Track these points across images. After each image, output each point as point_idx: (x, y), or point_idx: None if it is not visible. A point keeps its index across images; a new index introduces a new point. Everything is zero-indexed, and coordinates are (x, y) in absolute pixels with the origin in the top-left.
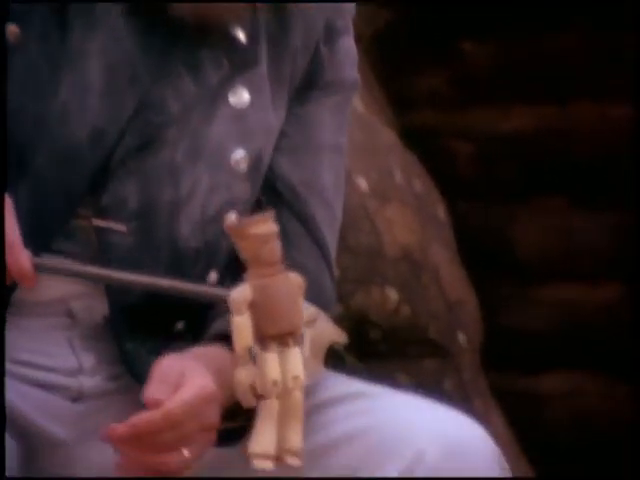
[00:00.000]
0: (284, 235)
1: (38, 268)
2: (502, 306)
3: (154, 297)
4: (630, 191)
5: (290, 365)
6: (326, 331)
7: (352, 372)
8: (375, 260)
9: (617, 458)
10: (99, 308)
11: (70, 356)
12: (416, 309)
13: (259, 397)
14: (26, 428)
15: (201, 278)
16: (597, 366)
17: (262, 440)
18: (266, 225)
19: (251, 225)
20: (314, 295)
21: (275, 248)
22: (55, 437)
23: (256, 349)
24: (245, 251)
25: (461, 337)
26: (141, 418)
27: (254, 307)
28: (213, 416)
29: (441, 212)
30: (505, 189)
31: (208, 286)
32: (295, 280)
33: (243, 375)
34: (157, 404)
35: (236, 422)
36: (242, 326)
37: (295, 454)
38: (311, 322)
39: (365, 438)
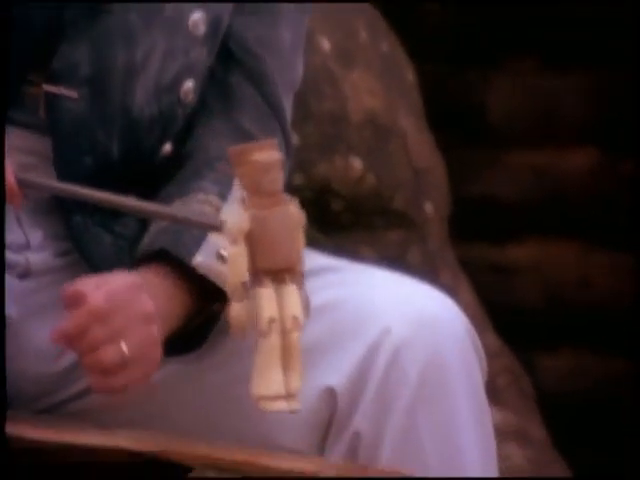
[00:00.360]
0: (231, 97)
1: (22, 184)
2: (471, 173)
3: (104, 171)
4: (603, 50)
5: (287, 304)
6: None
7: (314, 245)
8: (339, 127)
9: (588, 326)
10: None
11: (17, 231)
12: (381, 178)
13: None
14: None
15: (155, 149)
16: (569, 234)
17: (268, 381)
18: (269, 152)
19: (253, 151)
20: None
21: (277, 178)
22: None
23: (250, 284)
24: (244, 178)
25: (428, 206)
26: (67, 320)
27: (250, 238)
28: (144, 304)
29: (409, 75)
30: (476, 51)
31: (200, 214)
32: (296, 214)
33: (236, 310)
34: (78, 296)
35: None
36: (238, 258)
37: (293, 397)
38: None
39: (330, 314)
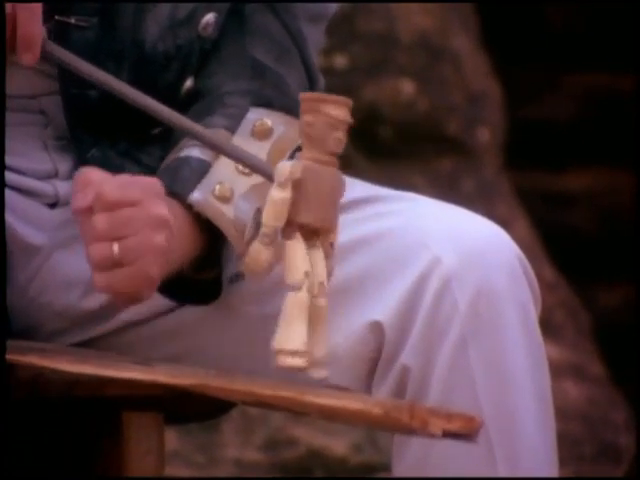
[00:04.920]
0: (247, 26)
1: (44, 47)
2: (528, 97)
3: (110, 106)
4: None
5: (315, 268)
6: (289, 135)
7: (361, 175)
8: (388, 47)
9: None
10: None
11: (45, 158)
12: (433, 102)
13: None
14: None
15: (176, 86)
16: (629, 163)
17: (292, 335)
18: (343, 110)
19: (327, 102)
20: (273, 95)
21: (341, 139)
22: (31, 243)
23: (282, 234)
24: (310, 128)
25: (483, 132)
26: (74, 200)
27: (296, 188)
28: (158, 208)
29: None
30: None
31: (250, 154)
32: (343, 182)
33: (258, 252)
34: (90, 181)
35: (206, 274)
36: (280, 203)
37: (319, 364)
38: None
39: (376, 245)
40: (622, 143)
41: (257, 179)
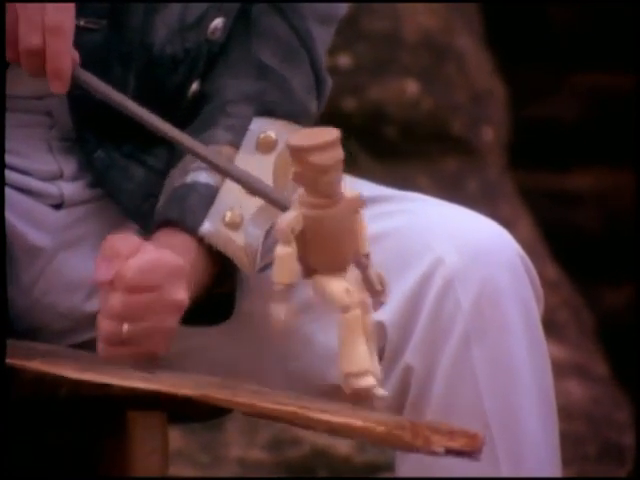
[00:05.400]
0: (253, 28)
1: (75, 74)
2: (533, 97)
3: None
4: None
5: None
6: None
7: (366, 174)
8: (393, 47)
9: None
10: None
11: (50, 159)
12: (438, 101)
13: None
14: (7, 234)
15: (182, 89)
16: (632, 163)
17: (355, 356)
18: (330, 153)
19: (312, 151)
20: (276, 101)
21: (334, 180)
22: (35, 245)
23: (304, 275)
24: (300, 177)
25: (487, 132)
26: (97, 270)
27: (301, 237)
28: (177, 293)
29: None
30: None
31: (265, 186)
32: (352, 205)
33: (277, 311)
34: (115, 254)
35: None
36: (287, 259)
37: (380, 383)
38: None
39: (380, 245)
40: (626, 143)
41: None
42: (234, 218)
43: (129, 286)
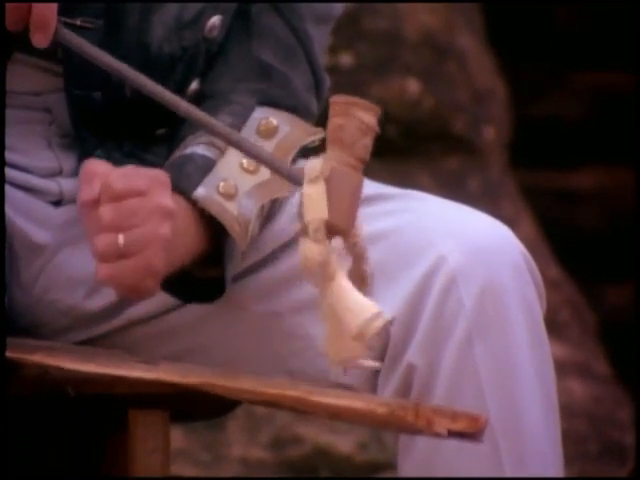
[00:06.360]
0: (253, 27)
1: (58, 31)
2: (534, 96)
3: (115, 108)
4: None
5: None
6: (294, 135)
7: (368, 173)
8: (394, 46)
9: None
10: None
11: (49, 156)
12: (439, 100)
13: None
14: (8, 231)
15: (181, 88)
16: (634, 162)
17: (359, 306)
18: (373, 117)
19: (359, 106)
20: (279, 97)
21: (369, 146)
22: (36, 242)
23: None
24: (341, 130)
25: (488, 131)
26: (81, 192)
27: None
28: (163, 198)
29: None
30: None
31: (279, 160)
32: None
33: (315, 252)
34: (96, 173)
35: (211, 272)
36: (317, 196)
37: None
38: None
39: (382, 243)
40: (628, 142)
41: (261, 178)
42: (228, 189)
43: (116, 194)
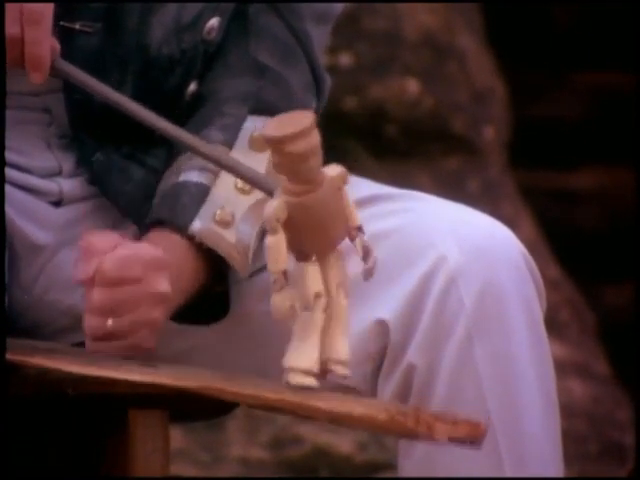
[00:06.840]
0: (250, 27)
1: (54, 64)
2: (534, 96)
3: (115, 112)
4: None
5: (332, 272)
6: None
7: (367, 173)
8: (393, 46)
9: None
10: None
11: (49, 156)
12: (439, 100)
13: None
14: (8, 231)
15: (180, 90)
16: (634, 162)
17: (304, 355)
18: (306, 139)
19: (287, 140)
20: (275, 99)
21: (315, 165)
22: (36, 242)
23: (296, 260)
24: (280, 167)
25: (488, 131)
26: (79, 269)
27: (289, 224)
28: (158, 284)
29: None
30: None
31: (254, 171)
32: (334, 183)
33: (279, 300)
34: (93, 252)
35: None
36: (276, 247)
37: (343, 363)
38: None
39: (382, 243)
40: (628, 142)
41: (256, 197)
42: (224, 216)
43: (109, 280)
